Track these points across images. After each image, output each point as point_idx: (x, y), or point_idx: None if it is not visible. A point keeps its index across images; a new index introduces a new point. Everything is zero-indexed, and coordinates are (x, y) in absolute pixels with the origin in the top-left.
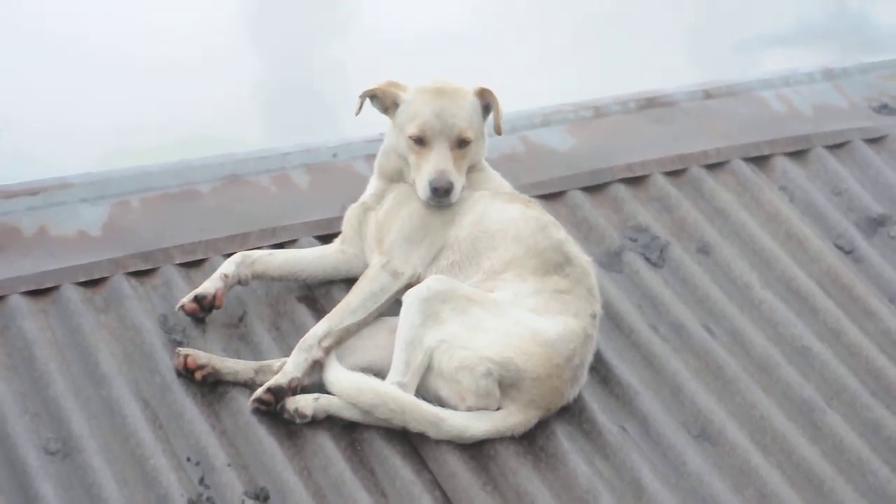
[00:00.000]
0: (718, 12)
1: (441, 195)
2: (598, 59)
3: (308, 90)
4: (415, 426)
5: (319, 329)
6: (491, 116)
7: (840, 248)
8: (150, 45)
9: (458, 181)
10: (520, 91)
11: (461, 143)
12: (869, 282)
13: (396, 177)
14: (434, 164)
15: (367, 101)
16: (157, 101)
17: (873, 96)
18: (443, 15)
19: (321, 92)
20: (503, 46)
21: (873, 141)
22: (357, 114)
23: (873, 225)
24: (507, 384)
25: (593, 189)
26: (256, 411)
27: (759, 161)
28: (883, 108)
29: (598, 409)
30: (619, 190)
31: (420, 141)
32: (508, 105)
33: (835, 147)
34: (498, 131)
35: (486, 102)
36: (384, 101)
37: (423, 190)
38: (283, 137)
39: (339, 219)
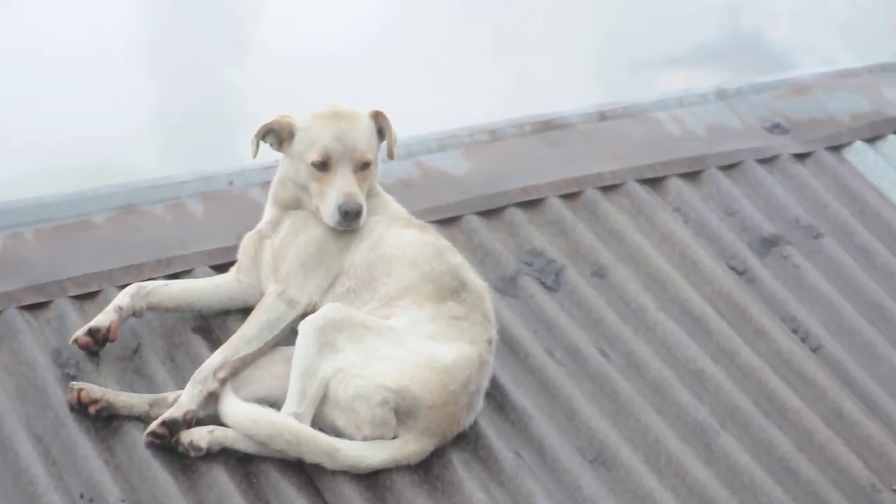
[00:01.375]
0: (617, 34)
1: (351, 218)
2: (498, 82)
3: (205, 115)
4: (311, 457)
5: (215, 360)
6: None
7: (733, 268)
8: (51, 65)
9: (365, 204)
10: (418, 114)
11: (363, 166)
12: (762, 302)
13: (293, 205)
14: (340, 188)
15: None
16: (61, 123)
17: (766, 116)
18: (340, 38)
19: (218, 116)
20: (401, 69)
21: (766, 161)
22: (255, 156)
23: (766, 245)
24: (403, 412)
25: (489, 213)
26: (151, 445)
27: (654, 182)
28: (775, 128)
29: (494, 435)
30: (515, 214)
31: (323, 166)
32: (405, 129)
33: (728, 167)
34: (390, 155)
35: (381, 126)
36: (280, 133)
37: (331, 215)
38: (179, 164)
39: (236, 247)
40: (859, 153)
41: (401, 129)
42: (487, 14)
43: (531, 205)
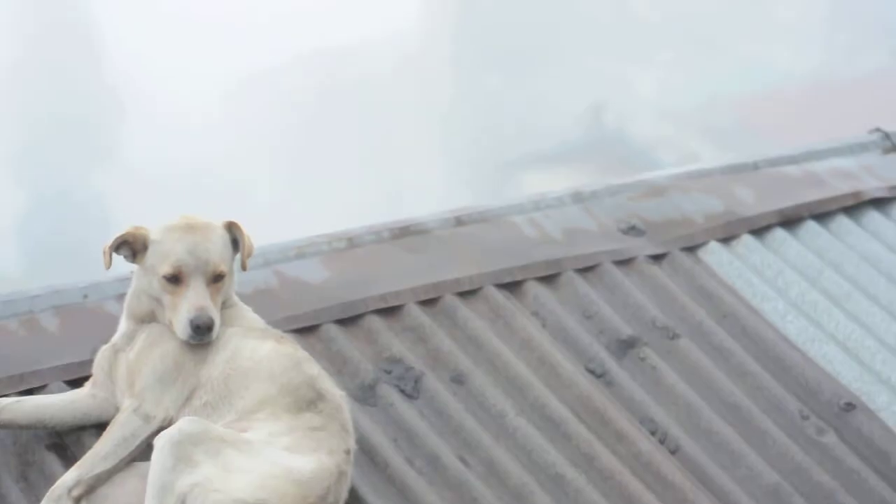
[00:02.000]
0: (483, 135)
1: (203, 332)
2: (363, 187)
3: (60, 225)
4: None
5: (69, 478)
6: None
7: (591, 371)
8: None
9: (218, 317)
10: (280, 223)
11: (216, 278)
12: (620, 405)
13: (147, 318)
14: (192, 301)
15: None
16: None
17: (622, 218)
18: (201, 147)
19: (72, 226)
20: (264, 177)
21: (622, 263)
22: (108, 267)
23: (623, 347)
24: None
25: (347, 321)
26: None
27: (512, 287)
28: (631, 230)
29: None
30: (374, 321)
31: (175, 279)
32: (263, 238)
33: (585, 270)
34: (243, 267)
35: (235, 236)
36: (134, 245)
37: (182, 329)
38: (35, 275)
39: (90, 362)
40: (714, 253)
41: (260, 238)
42: (352, 117)
43: (390, 311)
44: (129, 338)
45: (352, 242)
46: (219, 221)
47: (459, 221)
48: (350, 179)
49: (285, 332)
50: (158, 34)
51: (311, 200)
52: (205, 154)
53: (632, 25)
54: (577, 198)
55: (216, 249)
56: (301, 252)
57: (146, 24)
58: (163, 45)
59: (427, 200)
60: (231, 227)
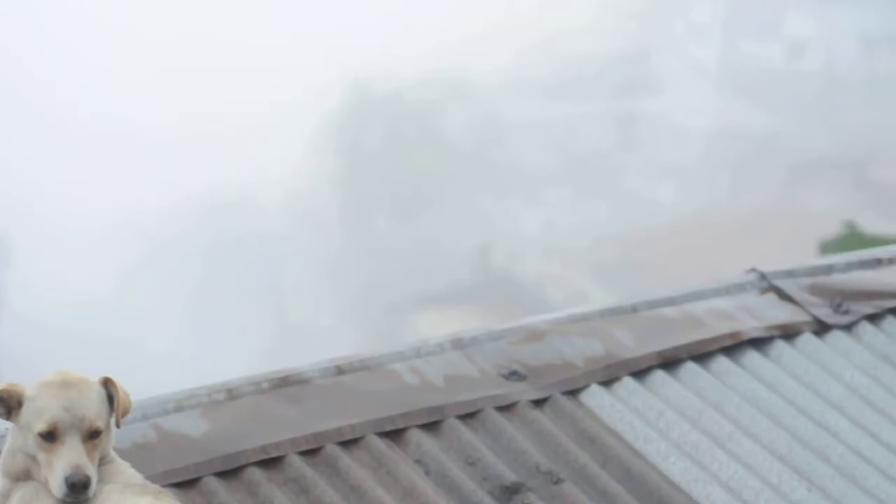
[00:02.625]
0: (370, 276)
1: (79, 490)
2: (250, 334)
3: None
4: None
5: None
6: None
7: None
8: None
9: (94, 474)
10: (167, 371)
11: (92, 435)
12: None
13: (23, 476)
14: (68, 459)
15: None
16: None
17: (503, 363)
18: (84, 295)
19: None
20: (150, 325)
21: (504, 408)
22: None
23: (507, 493)
24: None
25: (228, 474)
26: None
27: (394, 435)
28: (512, 375)
29: None
30: (254, 473)
31: (50, 436)
32: (147, 388)
33: (467, 417)
34: (117, 424)
35: (111, 392)
36: (9, 402)
37: (58, 487)
38: None
39: None
40: (595, 396)
41: (143, 389)
42: (239, 261)
43: (271, 463)
44: (5, 496)
45: (231, 394)
46: (95, 377)
47: (340, 370)
48: (238, 325)
49: (164, 486)
50: (47, 177)
51: (198, 348)
52: (91, 300)
53: (519, 166)
54: (458, 344)
55: (92, 406)
56: (180, 405)
57: (39, 163)
58: (48, 190)
59: (316, 344)
60: (107, 384)
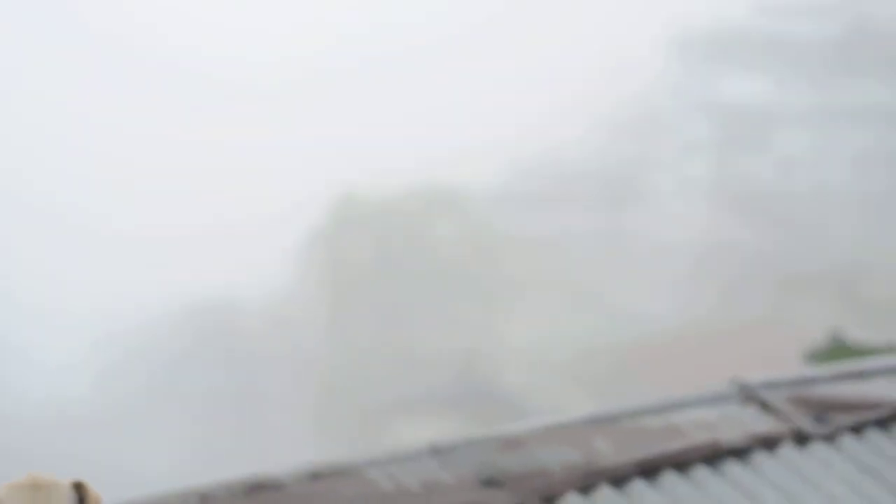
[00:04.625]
0: (351, 383)
1: None
2: (230, 439)
3: None
4: None
5: None
6: None
7: None
8: None
9: None
10: (131, 480)
11: None
12: None
13: None
14: None
15: None
16: None
17: (480, 471)
18: (61, 395)
19: None
20: (126, 430)
21: None
22: None
23: None
24: None
25: None
26: None
27: None
28: (489, 483)
29: None
30: None
31: None
32: (113, 497)
33: None
34: None
35: (82, 496)
36: None
37: None
38: None
39: None
40: None
41: (110, 496)
42: (220, 368)
43: None
44: None
45: (204, 498)
46: (66, 481)
47: (315, 476)
48: (214, 430)
49: None
50: (27, 271)
51: (171, 451)
52: (65, 399)
53: (506, 277)
54: (435, 451)
55: None
56: None
57: (18, 273)
58: (27, 284)
59: (293, 449)
60: (78, 488)
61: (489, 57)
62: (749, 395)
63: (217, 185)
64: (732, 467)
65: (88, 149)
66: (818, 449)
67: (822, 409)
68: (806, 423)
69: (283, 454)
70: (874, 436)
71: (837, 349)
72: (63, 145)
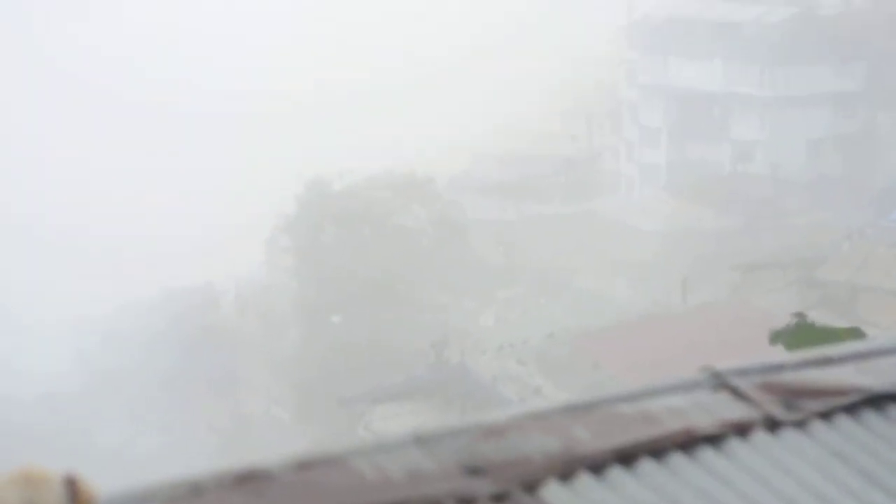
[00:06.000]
0: (328, 370)
1: None
2: (210, 428)
3: None
4: None
5: None
6: None
7: None
8: None
9: None
10: (116, 471)
11: None
12: None
13: None
14: None
15: None
16: None
17: (463, 459)
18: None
19: None
20: (105, 420)
21: (464, 503)
22: None
23: None
24: None
25: None
26: None
27: None
28: (472, 471)
29: None
30: None
31: None
32: (100, 488)
33: None
34: None
35: (73, 490)
36: None
37: None
38: None
39: None
40: (554, 492)
41: (98, 488)
42: (198, 358)
43: None
44: None
45: (196, 489)
46: (57, 475)
47: (303, 465)
48: (194, 419)
49: None
50: (9, 276)
51: (155, 441)
52: (47, 394)
53: (474, 265)
54: (418, 440)
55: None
56: (142, 499)
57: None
58: (9, 287)
59: (271, 438)
60: (70, 481)
61: (456, 55)
62: (720, 383)
63: (190, 184)
64: (706, 454)
65: (69, 155)
66: (789, 435)
67: (792, 396)
68: (777, 410)
69: (262, 443)
70: (843, 422)
71: (803, 331)
72: (38, 167)
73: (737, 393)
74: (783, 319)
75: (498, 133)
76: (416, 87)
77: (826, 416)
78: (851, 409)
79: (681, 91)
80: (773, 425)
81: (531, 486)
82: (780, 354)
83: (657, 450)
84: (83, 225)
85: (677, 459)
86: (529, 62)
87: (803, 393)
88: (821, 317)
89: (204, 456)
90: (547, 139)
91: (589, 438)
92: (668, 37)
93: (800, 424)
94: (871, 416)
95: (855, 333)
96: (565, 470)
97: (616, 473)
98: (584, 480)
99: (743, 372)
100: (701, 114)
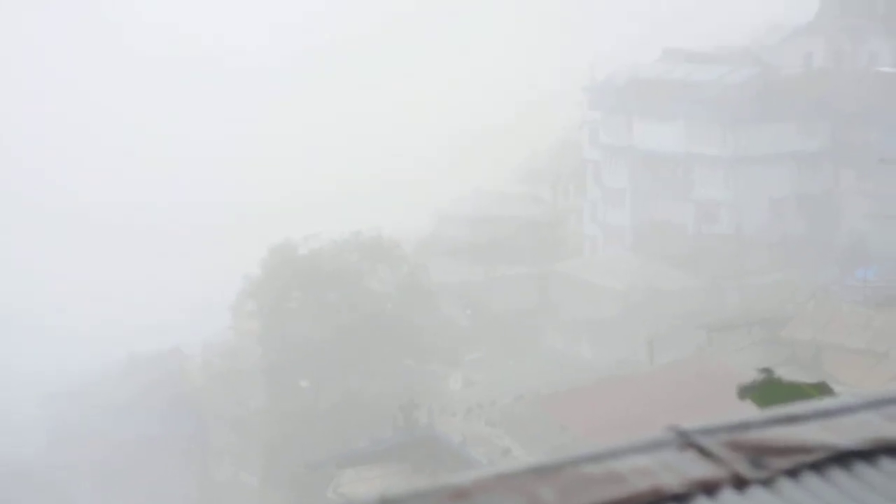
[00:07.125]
0: (294, 434)
1: None
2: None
3: None
4: None
5: None
6: None
7: None
8: None
9: None
10: None
11: None
12: None
13: None
14: None
15: None
16: None
17: None
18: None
19: None
20: (71, 491)
21: None
22: None
23: None
24: None
25: None
26: None
27: None
28: None
29: None
30: None
31: None
32: None
33: None
34: None
35: None
36: None
37: None
38: None
39: None
40: None
41: None
42: (165, 419)
43: None
44: None
45: None
46: None
47: None
48: (161, 484)
49: None
50: None
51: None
52: (14, 460)
53: (441, 328)
54: (385, 503)
55: None
56: None
57: None
58: None
59: (239, 502)
60: None
61: (420, 110)
62: (687, 441)
63: (154, 245)
64: None
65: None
66: (756, 493)
67: (759, 454)
68: (743, 468)
69: None
70: (809, 479)
71: (770, 387)
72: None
73: (703, 451)
74: (750, 377)
75: (464, 196)
76: (387, 168)
77: (793, 473)
78: (818, 466)
79: (644, 152)
80: (740, 483)
81: None
82: (747, 412)
83: None
84: (53, 294)
85: None
86: (495, 127)
87: (770, 450)
88: (788, 374)
89: None
90: (512, 201)
91: (555, 499)
92: (630, 97)
93: (767, 482)
94: (837, 473)
95: (822, 389)
96: None
97: None
98: None
99: (709, 430)
100: (664, 174)
